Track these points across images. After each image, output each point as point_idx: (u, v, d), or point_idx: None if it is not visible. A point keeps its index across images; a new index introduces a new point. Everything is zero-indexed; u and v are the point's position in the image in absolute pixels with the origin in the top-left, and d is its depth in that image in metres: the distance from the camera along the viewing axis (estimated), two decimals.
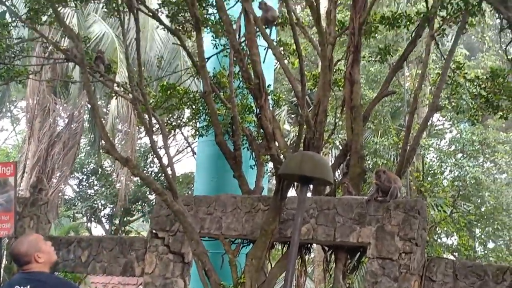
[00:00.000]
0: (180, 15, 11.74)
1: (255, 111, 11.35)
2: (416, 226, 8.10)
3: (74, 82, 17.95)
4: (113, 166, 26.16)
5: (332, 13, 11.31)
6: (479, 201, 20.18)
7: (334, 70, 12.24)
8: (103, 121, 12.45)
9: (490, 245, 23.38)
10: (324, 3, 14.72)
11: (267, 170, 13.53)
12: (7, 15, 11.22)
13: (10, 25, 10.64)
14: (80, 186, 27.68)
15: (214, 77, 12.27)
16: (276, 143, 10.15)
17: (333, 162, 13.58)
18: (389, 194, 8.33)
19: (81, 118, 21.20)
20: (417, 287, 8.15)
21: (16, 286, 4.66)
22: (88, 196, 26.98)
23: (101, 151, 21.06)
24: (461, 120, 19.03)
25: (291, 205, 8.90)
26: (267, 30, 11.03)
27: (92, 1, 9.64)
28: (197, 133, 13.05)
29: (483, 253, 22.40)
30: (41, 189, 12.18)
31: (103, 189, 26.53)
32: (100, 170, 27.21)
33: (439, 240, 21.53)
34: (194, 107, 12.72)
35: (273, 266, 9.33)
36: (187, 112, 14.03)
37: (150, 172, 25.72)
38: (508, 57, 9.54)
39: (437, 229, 19.37)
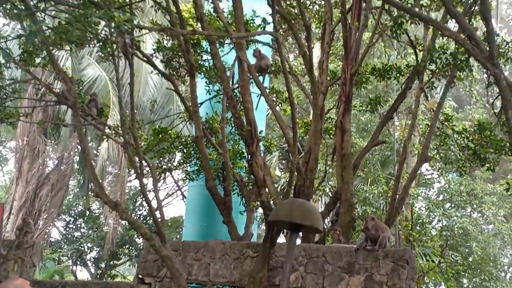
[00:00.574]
0: (174, 60, 11.91)
1: (246, 157, 11.42)
2: (405, 276, 8.08)
3: (65, 125, 17.96)
4: (101, 208, 25.95)
5: (324, 63, 11.51)
6: (466, 251, 20.12)
7: (326, 118, 12.38)
8: (93, 164, 12.44)
9: None
10: (316, 53, 15.00)
11: (257, 216, 13.54)
12: (0, 57, 11.29)
13: (3, 66, 10.69)
14: (67, 229, 27.34)
15: (206, 122, 12.37)
16: (267, 190, 10.16)
17: (323, 209, 13.58)
18: (378, 243, 8.33)
19: (71, 160, 21.11)
20: None
21: None
22: (74, 238, 26.63)
23: (90, 193, 20.93)
24: (449, 170, 19.17)
25: (280, 252, 8.87)
26: (260, 78, 11.18)
27: (87, 45, 9.70)
28: (188, 177, 13.07)
29: None
30: (27, 231, 12.07)
31: (90, 231, 26.22)
32: (88, 212, 26.96)
33: None
34: (185, 151, 12.78)
35: None
36: (178, 156, 14.07)
37: (138, 215, 25.52)
38: (495, 111, 9.69)
39: (425, 278, 19.27)
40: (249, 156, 10.59)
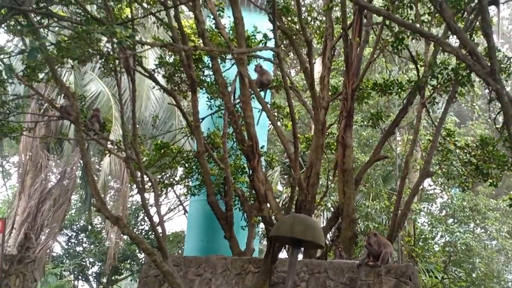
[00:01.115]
0: (176, 75, 11.97)
1: (248, 172, 11.41)
2: None
3: (68, 140, 17.99)
4: (103, 223, 25.90)
5: (325, 79, 11.57)
6: (470, 267, 20.03)
7: (327, 133, 12.41)
8: (95, 178, 12.44)
9: None
10: (318, 68, 15.06)
11: (258, 231, 13.50)
12: (3, 73, 11.32)
13: (6, 81, 10.74)
14: (69, 243, 27.33)
15: (208, 137, 12.39)
16: (268, 205, 10.16)
17: (324, 225, 13.55)
18: (380, 259, 8.30)
19: (73, 175, 21.11)
20: None
21: None
22: (76, 253, 26.60)
23: (92, 208, 20.90)
24: (451, 186, 19.13)
25: (282, 268, 8.84)
26: (262, 93, 11.21)
27: (90, 61, 9.76)
28: (189, 192, 13.06)
29: None
30: (29, 247, 12.06)
31: (92, 246, 26.20)
32: (90, 227, 26.94)
33: None
34: (187, 166, 12.79)
35: None
36: (180, 171, 14.08)
37: (140, 230, 25.49)
38: (497, 126, 9.71)
39: None
40: (251, 171, 10.60)
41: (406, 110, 11.59)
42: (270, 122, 12.95)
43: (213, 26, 11.13)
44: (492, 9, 9.51)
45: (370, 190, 20.20)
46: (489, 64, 6.42)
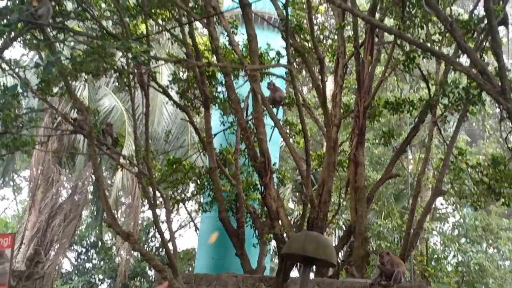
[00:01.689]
0: (189, 91, 12.02)
1: (259, 189, 11.40)
2: None
3: (80, 154, 18.05)
4: (113, 239, 25.86)
5: (337, 96, 11.58)
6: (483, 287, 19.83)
7: (339, 151, 12.39)
8: (107, 194, 12.47)
9: None
10: (330, 86, 15.07)
11: (270, 249, 13.44)
12: (18, 86, 11.39)
13: (20, 95, 10.81)
14: (79, 260, 27.24)
15: (220, 154, 12.40)
16: (280, 222, 10.13)
17: (336, 243, 13.49)
18: (392, 279, 8.23)
19: (84, 190, 21.13)
20: None
21: None
22: (86, 270, 26.51)
23: (102, 224, 20.91)
24: (464, 205, 18.99)
25: (293, 286, 8.78)
26: (274, 110, 11.24)
27: (104, 75, 9.85)
28: (201, 208, 13.04)
29: None
30: (38, 262, 12.03)
31: (102, 263, 26.10)
32: (100, 243, 26.88)
33: None
34: (199, 182, 12.79)
35: None
36: (192, 187, 14.07)
37: (151, 247, 25.41)
38: (509, 145, 9.67)
39: None
40: (263, 188, 10.60)
41: (417, 128, 11.58)
42: (282, 139, 12.95)
43: (227, 43, 11.20)
44: (501, 29, 9.57)
45: (382, 209, 20.10)
46: (499, 83, 6.41)
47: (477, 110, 11.37)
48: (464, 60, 13.48)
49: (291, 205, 22.01)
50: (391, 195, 20.59)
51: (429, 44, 9.83)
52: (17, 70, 7.60)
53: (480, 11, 10.89)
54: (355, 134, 11.21)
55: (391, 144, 13.84)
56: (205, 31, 12.31)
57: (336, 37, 12.74)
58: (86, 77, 9.81)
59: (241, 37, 11.60)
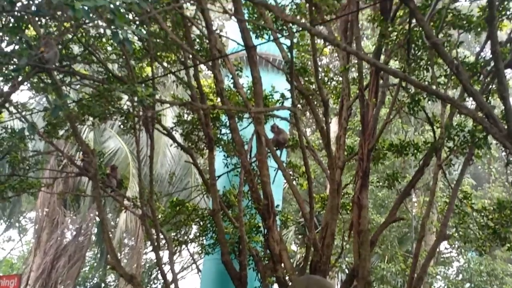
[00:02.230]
0: (193, 133, 12.09)
1: (262, 231, 11.35)
2: None
3: (85, 196, 18.10)
4: (116, 281, 25.68)
5: (341, 138, 11.61)
6: None
7: (343, 193, 12.35)
8: (111, 235, 12.43)
9: None
10: (334, 128, 15.16)
11: None
12: (26, 130, 11.51)
13: (27, 137, 10.93)
14: None
15: (223, 196, 12.40)
16: (283, 265, 10.06)
17: (339, 287, 13.34)
18: None
19: (88, 232, 21.15)
20: None
21: None
22: None
23: (106, 265, 20.81)
24: (468, 249, 18.84)
25: None
26: (278, 152, 11.27)
27: (110, 119, 9.96)
28: (203, 250, 12.98)
29: None
30: None
31: None
32: (103, 284, 26.69)
33: None
34: (201, 224, 12.75)
35: None
36: (195, 229, 14.03)
37: None
38: None
39: None
40: (266, 230, 10.56)
41: (422, 171, 11.55)
42: (285, 181, 12.96)
43: (231, 85, 11.32)
44: (508, 72, 9.63)
45: (385, 252, 19.96)
46: (506, 127, 6.41)
47: (482, 153, 11.36)
48: (470, 103, 13.56)
49: (294, 247, 21.88)
50: (394, 239, 20.47)
51: (434, 87, 9.88)
52: (24, 113, 7.70)
53: (487, 53, 10.98)
54: (359, 176, 11.19)
55: (395, 187, 13.81)
56: (210, 73, 12.45)
57: (340, 79, 12.84)
58: (92, 120, 9.94)
59: (245, 79, 11.73)
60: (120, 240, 19.89)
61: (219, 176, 11.72)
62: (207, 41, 9.83)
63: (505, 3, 9.79)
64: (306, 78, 12.20)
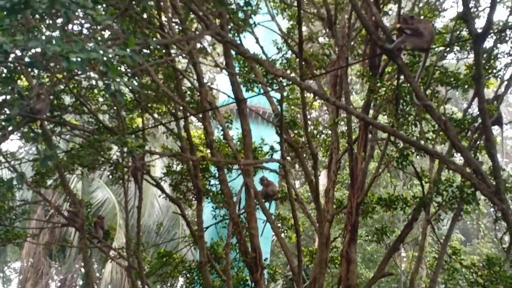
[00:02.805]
0: (182, 184, 12.07)
1: (250, 284, 11.21)
2: None
3: (71, 247, 17.89)
4: None
5: (330, 192, 11.62)
6: None
7: (331, 247, 12.30)
8: (96, 287, 12.24)
9: None
10: (323, 181, 15.18)
11: None
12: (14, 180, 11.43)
13: (15, 187, 10.84)
14: None
15: (211, 247, 12.29)
16: None
17: None
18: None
19: (73, 283, 20.80)
20: None
21: None
22: None
23: None
24: None
25: None
26: (267, 204, 11.24)
27: (99, 169, 9.94)
28: None
29: None
30: None
31: None
32: None
33: None
34: (188, 276, 12.58)
35: None
36: (181, 281, 13.84)
37: None
38: (504, 246, 9.63)
39: None
40: (253, 283, 10.42)
41: (411, 226, 11.52)
42: (274, 234, 12.88)
43: (221, 137, 11.38)
44: (495, 129, 9.76)
45: None
46: (494, 183, 6.44)
47: (471, 209, 11.37)
48: (458, 158, 13.65)
49: None
50: None
51: (422, 142, 9.97)
52: (13, 162, 7.68)
53: (474, 110, 11.13)
54: (347, 230, 11.16)
55: (384, 241, 13.76)
56: (200, 124, 12.52)
57: (329, 132, 12.95)
58: (81, 170, 9.91)
59: (235, 131, 11.80)
60: None
61: (207, 228, 11.64)
62: (198, 93, 9.93)
63: (491, 61, 10.01)
64: (296, 131, 12.29)
